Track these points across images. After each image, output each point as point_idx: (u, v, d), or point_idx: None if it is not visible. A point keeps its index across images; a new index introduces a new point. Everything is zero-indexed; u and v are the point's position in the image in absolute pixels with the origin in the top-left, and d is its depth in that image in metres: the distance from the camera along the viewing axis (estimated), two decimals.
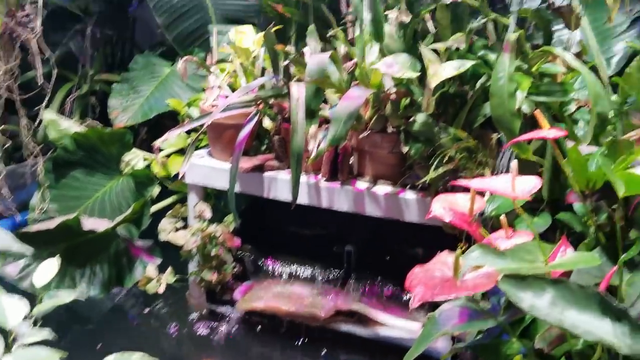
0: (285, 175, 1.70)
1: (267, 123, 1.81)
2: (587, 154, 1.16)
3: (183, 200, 1.95)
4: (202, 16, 2.28)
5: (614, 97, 1.48)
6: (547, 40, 1.46)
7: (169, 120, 2.22)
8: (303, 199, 1.66)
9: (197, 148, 1.86)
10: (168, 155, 2.03)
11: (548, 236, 1.30)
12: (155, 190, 1.95)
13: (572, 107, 1.45)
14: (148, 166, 2.01)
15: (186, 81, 1.91)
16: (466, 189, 1.07)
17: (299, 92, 1.54)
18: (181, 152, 2.03)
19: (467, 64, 1.31)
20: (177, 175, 1.95)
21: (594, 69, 1.64)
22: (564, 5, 1.49)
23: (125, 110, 2.17)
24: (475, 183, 0.99)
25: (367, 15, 1.24)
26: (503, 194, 1.03)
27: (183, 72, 1.78)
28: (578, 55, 1.47)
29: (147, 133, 2.47)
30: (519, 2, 1.41)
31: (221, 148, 1.79)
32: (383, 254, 1.80)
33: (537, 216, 1.30)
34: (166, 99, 2.16)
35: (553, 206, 1.32)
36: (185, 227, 1.85)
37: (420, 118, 1.48)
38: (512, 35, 1.29)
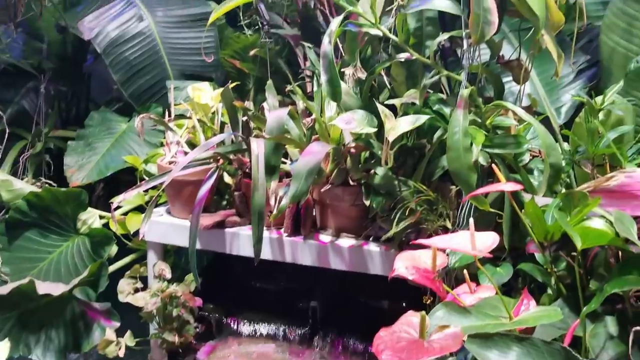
0: (247, 231, 1.69)
1: (228, 178, 1.80)
2: (544, 206, 1.19)
3: (142, 259, 1.91)
4: (159, 72, 2.27)
5: (566, 146, 1.54)
6: (499, 93, 1.51)
7: (126, 174, 2.19)
8: (266, 254, 1.64)
9: (155, 205, 1.83)
10: (125, 213, 1.98)
11: (511, 282, 1.32)
12: (113, 249, 1.90)
13: (527, 158, 1.49)
14: (105, 225, 1.96)
15: (143, 138, 1.89)
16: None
17: (258, 148, 1.54)
18: (139, 209, 1.99)
19: (422, 118, 1.34)
20: (135, 232, 1.91)
21: (546, 119, 1.70)
22: (512, 60, 1.55)
23: (81, 169, 2.13)
24: (435, 241, 1.00)
25: (323, 77, 1.26)
26: (464, 252, 1.04)
27: (140, 129, 1.76)
28: (529, 108, 1.52)
29: (103, 189, 2.42)
30: (469, 57, 1.46)
31: (181, 205, 1.76)
32: (349, 308, 1.78)
33: (499, 266, 1.31)
34: (123, 155, 2.13)
35: (514, 255, 1.34)
36: (144, 287, 1.80)
37: (380, 171, 1.49)
38: (464, 91, 1.33)
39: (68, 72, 2.62)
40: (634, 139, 1.48)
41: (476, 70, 1.45)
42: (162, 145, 2.14)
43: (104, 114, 2.34)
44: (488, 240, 0.97)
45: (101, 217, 1.98)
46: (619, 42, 1.73)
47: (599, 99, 1.44)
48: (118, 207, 2.01)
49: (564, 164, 1.38)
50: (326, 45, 1.26)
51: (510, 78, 1.65)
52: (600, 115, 1.45)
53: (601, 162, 1.44)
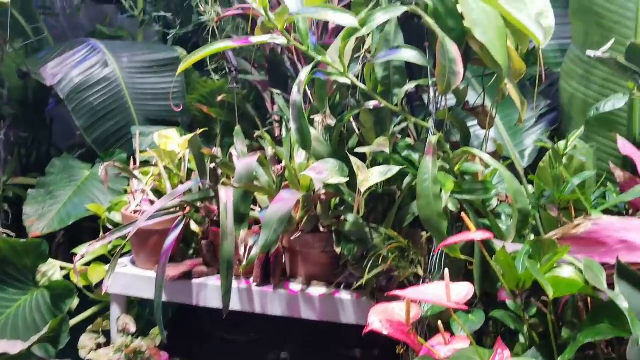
0: (215, 281, 1.65)
1: (194, 226, 1.76)
2: (514, 252, 1.19)
3: (105, 310, 1.84)
4: (124, 118, 2.24)
5: (531, 189, 1.56)
6: (465, 139, 1.53)
7: (88, 221, 2.13)
8: (235, 305, 1.60)
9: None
10: (88, 263, 1.92)
11: (483, 329, 1.31)
12: (74, 302, 1.83)
13: (494, 203, 1.50)
14: (66, 276, 1.89)
15: (106, 186, 1.85)
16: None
17: (227, 196, 1.52)
18: (102, 259, 1.93)
19: (394, 169, 1.35)
20: (97, 284, 1.85)
21: (510, 162, 1.74)
22: (477, 106, 1.58)
23: (41, 218, 2.06)
24: (410, 293, 0.99)
25: (293, 125, 1.26)
26: (439, 304, 1.03)
27: (104, 177, 1.72)
28: (495, 153, 1.54)
29: (64, 237, 2.35)
30: (435, 105, 1.48)
31: (146, 255, 1.72)
32: (320, 358, 1.75)
33: (471, 313, 1.31)
34: (85, 203, 2.07)
35: (485, 301, 1.34)
36: (107, 342, 1.73)
37: (351, 218, 1.49)
38: (432, 138, 1.34)
39: (29, 118, 2.56)
40: (596, 183, 1.52)
41: (443, 117, 1.48)
42: (126, 192, 2.10)
43: (66, 160, 2.29)
44: (463, 291, 0.97)
45: (62, 268, 1.91)
46: (578, 89, 1.79)
47: (562, 144, 1.48)
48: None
49: (530, 208, 1.40)
50: (295, 94, 1.26)
51: (475, 122, 1.68)
52: (564, 160, 1.49)
53: (566, 205, 1.47)
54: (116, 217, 1.93)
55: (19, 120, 2.51)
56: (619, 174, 1.36)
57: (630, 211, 1.42)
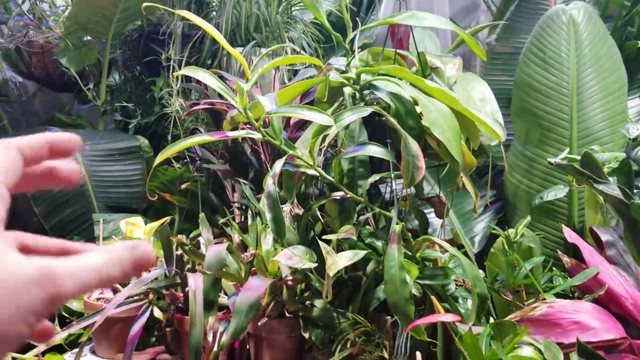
0: None
1: (158, 313, 1.75)
2: (476, 334, 1.27)
3: None
4: (84, 205, 2.25)
5: (482, 274, 1.67)
6: (424, 228, 1.64)
7: None
8: None
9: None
10: (43, 353, 1.85)
11: None
12: None
13: (453, 287, 1.59)
14: None
15: None
16: None
17: (196, 283, 1.54)
18: (57, 348, 1.87)
19: (361, 254, 1.42)
20: None
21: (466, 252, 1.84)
22: (433, 196, 1.70)
23: None
24: None
25: (268, 215, 1.32)
26: None
27: None
28: (452, 241, 1.65)
29: None
30: (396, 196, 1.59)
31: (108, 344, 1.69)
32: None
33: None
34: None
35: None
36: None
37: (319, 304, 1.53)
38: (396, 227, 1.44)
39: None
40: (543, 268, 1.65)
41: (403, 207, 1.58)
42: None
43: None
44: None
45: (14, 359, 1.83)
46: (522, 181, 1.95)
47: (512, 231, 1.60)
48: (33, 347, 1.88)
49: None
50: (270, 185, 1.34)
51: (429, 209, 1.80)
52: (514, 246, 1.61)
53: (518, 289, 1.57)
54: (74, 304, 1.90)
55: None
56: (566, 260, 1.49)
57: (577, 294, 1.54)
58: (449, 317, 1.16)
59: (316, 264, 1.47)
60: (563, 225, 1.58)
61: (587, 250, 1.43)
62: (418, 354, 1.06)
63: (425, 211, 1.83)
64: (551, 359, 1.11)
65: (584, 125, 1.78)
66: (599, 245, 1.52)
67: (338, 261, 1.42)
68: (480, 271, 1.69)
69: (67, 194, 2.24)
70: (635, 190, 1.46)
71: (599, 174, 1.10)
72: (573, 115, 1.79)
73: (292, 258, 1.43)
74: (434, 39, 2.28)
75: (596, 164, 1.13)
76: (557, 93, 1.82)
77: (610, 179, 1.40)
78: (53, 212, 2.20)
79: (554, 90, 1.82)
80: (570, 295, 1.61)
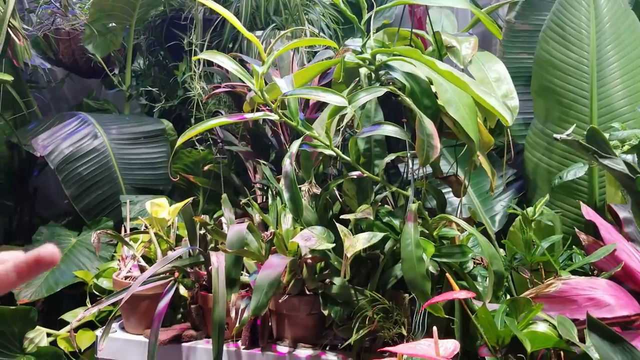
0: (204, 345, 1.69)
1: (183, 291, 1.81)
2: (492, 311, 1.29)
3: None
4: (112, 187, 2.32)
5: (502, 253, 1.68)
6: (442, 206, 1.65)
7: (67, 288, 2.15)
8: None
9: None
10: (76, 329, 1.93)
11: None
12: None
13: (471, 265, 1.61)
14: (53, 342, 1.90)
15: (99, 254, 1.90)
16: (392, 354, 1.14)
17: (219, 261, 1.59)
18: (89, 324, 1.95)
19: (378, 235, 1.44)
20: (84, 349, 1.86)
21: (484, 229, 1.86)
22: (450, 175, 1.71)
23: (28, 285, 2.08)
24: (402, 349, 1.07)
25: (286, 194, 1.35)
26: (429, 359, 1.11)
27: (97, 245, 1.77)
28: (469, 219, 1.66)
29: (43, 304, 2.34)
30: (413, 174, 1.60)
31: (136, 320, 1.75)
32: None
33: None
34: (73, 270, 2.10)
35: (465, 358, 1.42)
36: None
37: (337, 282, 1.56)
38: (413, 206, 1.45)
39: (14, 187, 2.61)
40: (563, 246, 1.65)
41: (420, 186, 1.60)
42: (112, 259, 2.14)
43: (52, 228, 2.33)
44: (450, 347, 1.05)
45: (48, 335, 1.92)
46: (541, 159, 1.94)
47: (530, 210, 1.61)
48: (65, 323, 1.96)
49: (504, 270, 1.50)
50: (287, 165, 1.37)
51: (447, 189, 1.81)
52: (532, 225, 1.61)
53: (536, 267, 1.58)
54: (104, 283, 1.97)
55: (3, 189, 2.55)
56: (583, 237, 1.49)
57: (595, 271, 1.54)
58: (463, 294, 1.18)
59: (334, 244, 1.49)
60: (581, 203, 1.58)
61: (604, 228, 1.43)
62: (435, 330, 1.09)
63: (444, 191, 1.85)
64: (565, 334, 1.13)
65: (605, 102, 1.77)
66: (618, 223, 1.51)
67: (355, 243, 1.44)
68: (501, 250, 1.70)
69: (96, 177, 2.30)
70: None
71: (606, 149, 1.10)
72: (593, 93, 1.78)
73: (310, 239, 1.46)
74: (451, 18, 2.27)
75: (603, 138, 1.13)
76: (577, 70, 1.81)
77: (630, 156, 1.40)
78: (83, 194, 2.27)
79: (574, 67, 1.81)
80: (590, 272, 1.61)
